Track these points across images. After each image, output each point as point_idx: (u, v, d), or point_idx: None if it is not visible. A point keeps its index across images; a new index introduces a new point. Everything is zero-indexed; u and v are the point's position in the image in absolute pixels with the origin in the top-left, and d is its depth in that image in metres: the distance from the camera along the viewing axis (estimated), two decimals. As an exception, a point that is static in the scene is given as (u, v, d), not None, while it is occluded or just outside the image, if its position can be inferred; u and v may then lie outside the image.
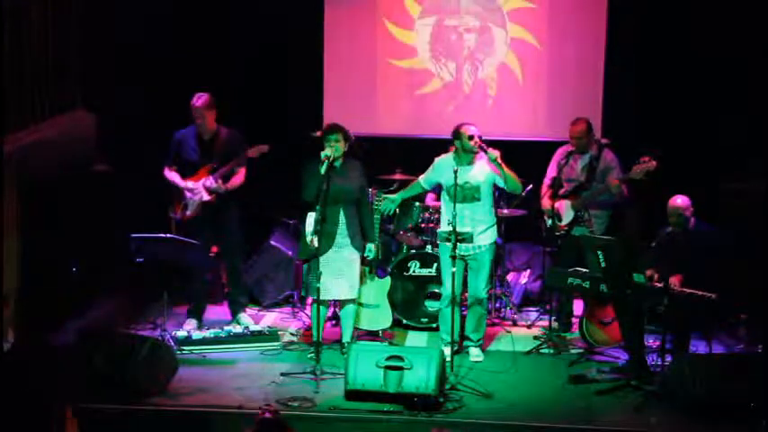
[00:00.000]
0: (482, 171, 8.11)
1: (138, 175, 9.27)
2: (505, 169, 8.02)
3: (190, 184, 8.60)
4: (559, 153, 8.81)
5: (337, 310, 8.56)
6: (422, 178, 8.39)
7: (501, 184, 8.13)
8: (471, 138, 8.01)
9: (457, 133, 8.10)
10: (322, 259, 7.93)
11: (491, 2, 9.91)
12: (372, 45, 10.08)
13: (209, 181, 8.55)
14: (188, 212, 8.65)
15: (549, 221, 8.71)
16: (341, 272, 8.11)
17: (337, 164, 8.03)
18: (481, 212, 8.13)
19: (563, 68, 9.95)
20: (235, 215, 8.77)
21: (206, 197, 8.60)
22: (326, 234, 7.99)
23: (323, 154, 7.93)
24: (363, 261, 8.29)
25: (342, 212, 8.07)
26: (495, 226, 8.26)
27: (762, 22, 9.15)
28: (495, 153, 7.97)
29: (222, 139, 8.63)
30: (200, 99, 8.55)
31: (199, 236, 8.49)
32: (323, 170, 7.86)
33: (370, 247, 8.22)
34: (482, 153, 8.05)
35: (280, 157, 8.88)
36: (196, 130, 8.63)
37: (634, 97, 9.84)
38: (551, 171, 8.78)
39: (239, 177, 8.65)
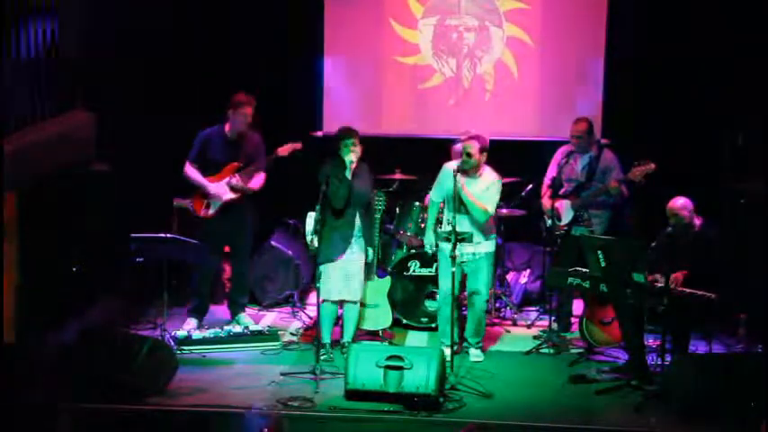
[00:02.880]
0: (485, 185, 8.08)
1: (137, 175, 9.27)
2: (470, 198, 7.94)
3: (214, 183, 8.60)
4: (560, 153, 8.82)
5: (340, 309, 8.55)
6: (433, 196, 8.32)
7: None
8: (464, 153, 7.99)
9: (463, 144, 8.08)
10: (337, 261, 7.99)
11: (489, 3, 10.14)
12: (378, 43, 10.27)
13: (235, 179, 8.56)
14: (211, 211, 8.64)
15: (549, 221, 8.71)
16: (352, 273, 8.13)
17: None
18: (481, 224, 8.11)
19: (560, 67, 10.13)
20: (251, 220, 8.78)
21: (229, 195, 8.60)
22: (343, 237, 8.03)
23: (348, 161, 7.95)
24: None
25: (358, 215, 8.10)
26: (494, 237, 8.26)
27: (761, 21, 9.16)
28: (460, 184, 7.87)
29: (250, 141, 8.63)
30: (251, 102, 8.52)
31: (215, 234, 8.51)
32: (349, 175, 7.91)
33: (369, 251, 8.24)
34: (486, 167, 8.04)
35: (280, 157, 8.85)
36: (222, 129, 8.62)
37: (634, 97, 9.85)
38: (551, 171, 8.78)
39: (259, 180, 8.64)
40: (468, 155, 7.98)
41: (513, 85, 10.19)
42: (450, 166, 8.12)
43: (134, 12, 9.40)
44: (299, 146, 8.63)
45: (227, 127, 8.61)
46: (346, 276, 8.10)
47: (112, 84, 9.24)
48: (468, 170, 7.99)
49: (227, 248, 8.99)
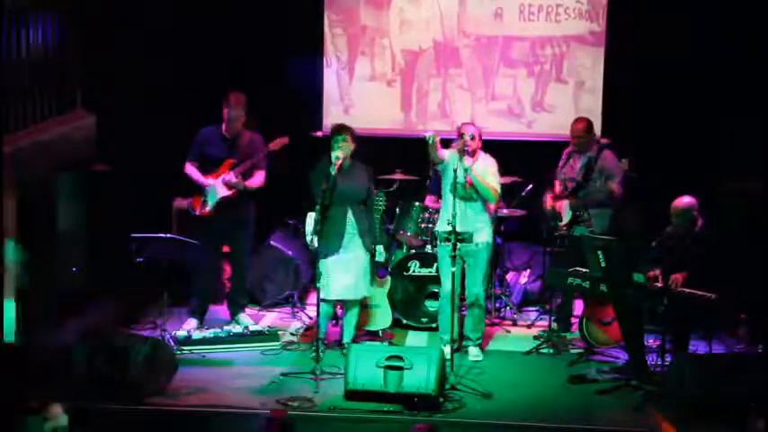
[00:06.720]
0: (482, 171, 8.10)
1: (137, 175, 9.28)
2: (478, 178, 8.01)
3: (210, 180, 8.61)
4: (564, 153, 8.81)
5: (339, 310, 8.53)
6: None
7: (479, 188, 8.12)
8: (462, 136, 8.03)
9: (458, 129, 8.15)
10: (332, 259, 7.97)
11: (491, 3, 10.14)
12: (379, 42, 10.26)
13: (230, 176, 8.55)
14: (207, 208, 8.64)
15: (552, 222, 8.68)
16: (349, 272, 8.07)
17: (345, 164, 8.02)
18: (479, 211, 8.13)
19: (559, 66, 10.10)
20: (251, 220, 8.77)
21: (224, 192, 8.59)
22: (336, 234, 7.99)
23: (334, 156, 7.91)
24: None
25: (350, 212, 8.06)
26: (492, 225, 8.27)
27: (761, 20, 9.16)
28: (468, 164, 7.97)
29: (245, 139, 8.64)
30: (239, 101, 8.55)
31: (213, 233, 8.51)
32: (333, 171, 7.86)
33: (380, 249, 8.22)
34: (481, 152, 8.09)
35: (271, 151, 8.83)
36: (220, 128, 8.63)
37: (634, 97, 9.86)
38: (558, 171, 8.79)
39: (259, 178, 8.63)
40: (472, 137, 8.02)
41: (513, 85, 10.21)
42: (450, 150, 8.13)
43: (134, 12, 9.41)
44: (286, 140, 8.60)
45: (224, 126, 8.63)
46: (343, 275, 8.04)
47: (112, 84, 9.26)
48: (468, 153, 8.02)
49: (226, 248, 8.99)
